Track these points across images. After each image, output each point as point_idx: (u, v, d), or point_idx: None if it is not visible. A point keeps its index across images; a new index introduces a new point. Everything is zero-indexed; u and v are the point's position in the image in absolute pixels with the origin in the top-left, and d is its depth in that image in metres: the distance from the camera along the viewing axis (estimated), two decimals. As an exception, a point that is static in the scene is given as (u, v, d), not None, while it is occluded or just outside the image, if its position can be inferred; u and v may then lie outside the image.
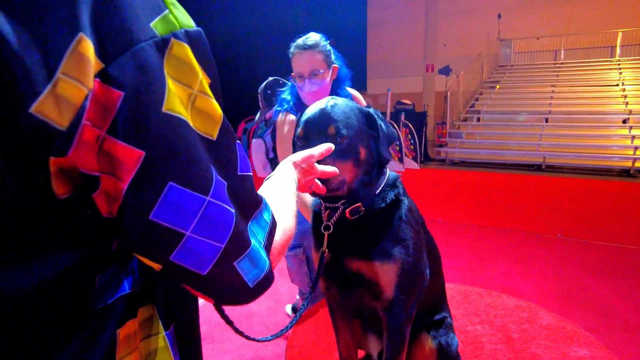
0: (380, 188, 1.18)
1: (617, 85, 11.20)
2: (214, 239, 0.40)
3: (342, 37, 14.99)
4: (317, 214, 1.24)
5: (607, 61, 12.63)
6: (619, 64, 12.18)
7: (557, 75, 12.59)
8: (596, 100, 10.88)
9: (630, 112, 9.95)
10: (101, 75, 0.36)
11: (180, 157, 0.37)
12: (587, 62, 12.84)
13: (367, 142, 1.15)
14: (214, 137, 0.41)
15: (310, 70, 1.78)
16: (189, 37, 0.41)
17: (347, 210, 1.13)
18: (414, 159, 9.53)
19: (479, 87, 13.59)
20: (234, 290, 0.44)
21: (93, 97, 0.35)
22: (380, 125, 1.17)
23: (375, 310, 1.22)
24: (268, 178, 0.76)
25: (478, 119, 11.87)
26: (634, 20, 12.28)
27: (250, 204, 0.47)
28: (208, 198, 0.39)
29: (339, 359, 1.36)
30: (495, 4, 13.99)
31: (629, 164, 8.40)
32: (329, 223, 1.15)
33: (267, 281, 0.47)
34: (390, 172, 1.27)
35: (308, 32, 1.90)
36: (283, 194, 0.68)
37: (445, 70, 12.71)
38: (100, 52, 0.36)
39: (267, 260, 0.47)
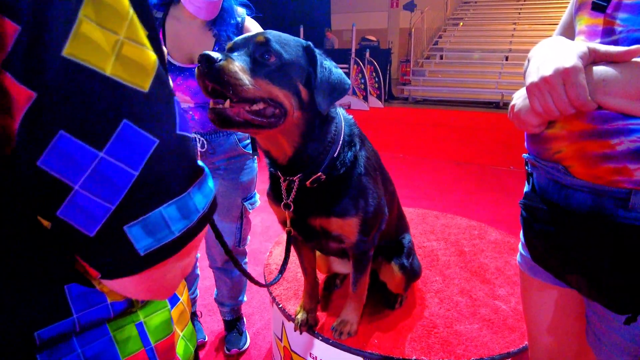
0: (337, 150, 1.11)
1: (575, 23, 11.42)
2: (103, 198, 0.37)
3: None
4: (275, 177, 1.17)
5: (567, -1, 12.77)
6: (578, 2, 12.35)
7: (519, 13, 12.66)
8: (554, 39, 11.12)
9: (585, 51, 10.29)
10: None
11: (74, 106, 0.34)
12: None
13: (307, 82, 0.99)
14: (146, 89, 0.38)
15: None
16: None
17: (308, 182, 1.10)
18: (378, 97, 9.61)
19: (443, 24, 13.51)
20: (120, 257, 0.39)
21: None
22: (322, 65, 0.99)
23: (340, 248, 1.31)
24: None
25: (441, 57, 11.93)
26: (596, -43, 12.32)
27: (190, 168, 0.43)
28: (101, 154, 0.36)
29: (303, 274, 1.50)
30: None
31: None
32: (289, 201, 1.12)
33: (161, 253, 0.41)
34: (344, 119, 1.17)
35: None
36: None
37: (410, 6, 12.48)
38: None
39: (175, 233, 0.41)
